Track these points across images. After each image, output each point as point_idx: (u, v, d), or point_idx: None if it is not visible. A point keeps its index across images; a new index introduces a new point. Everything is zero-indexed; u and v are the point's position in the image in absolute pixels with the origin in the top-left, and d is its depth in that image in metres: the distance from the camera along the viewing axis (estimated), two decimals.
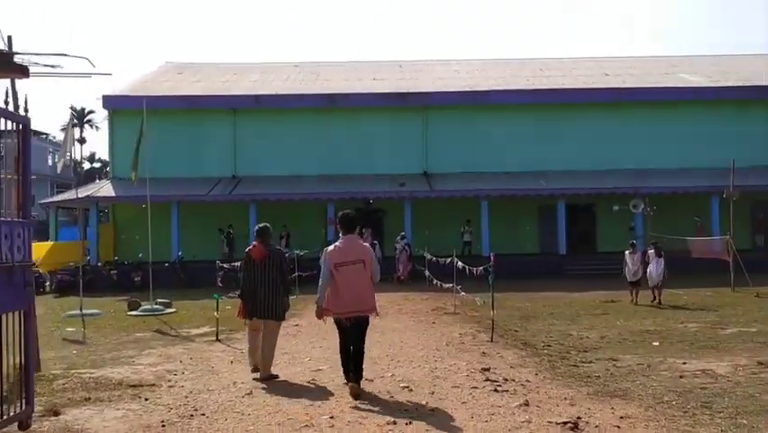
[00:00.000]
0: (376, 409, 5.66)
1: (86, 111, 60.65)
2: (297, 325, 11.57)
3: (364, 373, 6.41)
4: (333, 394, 6.22)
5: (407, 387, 6.27)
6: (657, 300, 14.73)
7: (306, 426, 5.18)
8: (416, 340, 9.73)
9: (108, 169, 30.41)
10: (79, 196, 24.97)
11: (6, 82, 6.58)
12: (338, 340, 6.55)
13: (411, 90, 27.50)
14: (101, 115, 51.94)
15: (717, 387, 6.65)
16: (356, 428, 5.14)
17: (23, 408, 4.69)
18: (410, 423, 5.19)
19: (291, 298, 13.12)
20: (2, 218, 4.59)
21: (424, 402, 5.83)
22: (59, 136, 59.84)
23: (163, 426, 5.20)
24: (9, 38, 6.91)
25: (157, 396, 6.14)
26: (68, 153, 14.84)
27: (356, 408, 5.72)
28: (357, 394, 6.00)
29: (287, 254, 21.52)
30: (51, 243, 26.12)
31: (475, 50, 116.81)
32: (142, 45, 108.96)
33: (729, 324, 11.38)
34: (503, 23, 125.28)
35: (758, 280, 17.03)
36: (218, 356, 8.69)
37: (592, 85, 27.94)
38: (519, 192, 24.66)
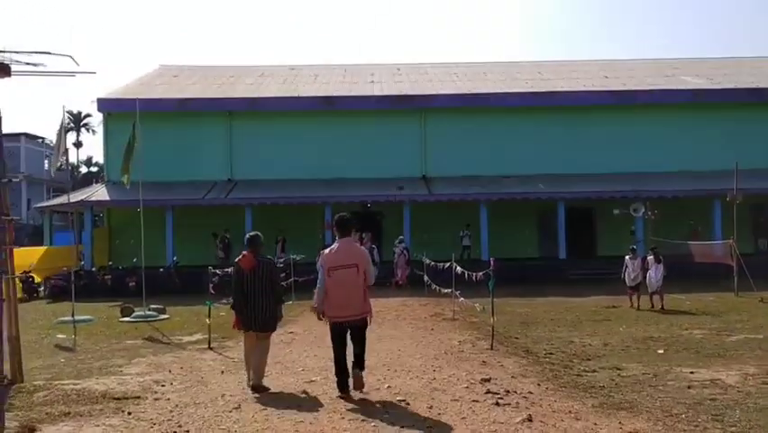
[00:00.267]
0: (371, 424, 5.37)
1: (82, 115, 60.36)
2: (291, 332, 11.28)
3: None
4: (325, 408, 5.92)
5: (404, 400, 5.96)
6: (660, 306, 14.57)
7: None
8: (414, 348, 9.44)
9: (103, 173, 30.10)
10: (73, 200, 24.76)
11: None
12: (332, 349, 6.52)
13: (409, 93, 27.26)
14: (97, 119, 51.66)
15: (728, 398, 6.38)
16: None
17: None
18: None
19: (287, 303, 12.82)
20: None
21: (421, 417, 5.53)
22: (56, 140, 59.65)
23: None
24: None
25: (141, 410, 5.84)
26: (62, 156, 14.56)
27: (349, 424, 5.41)
28: (361, 386, 6.23)
29: (283, 259, 21.36)
30: (45, 247, 25.80)
31: (473, 54, 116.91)
32: (139, 48, 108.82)
33: (735, 330, 11.13)
34: (501, 25, 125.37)
35: (762, 285, 16.78)
36: (209, 365, 8.40)
37: (592, 87, 27.72)
38: (518, 196, 24.39)
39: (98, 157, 61.90)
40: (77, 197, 24.97)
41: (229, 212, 24.76)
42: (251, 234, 7.22)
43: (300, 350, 9.55)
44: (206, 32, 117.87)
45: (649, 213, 22.71)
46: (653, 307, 14.63)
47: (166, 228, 24.13)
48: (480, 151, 25.87)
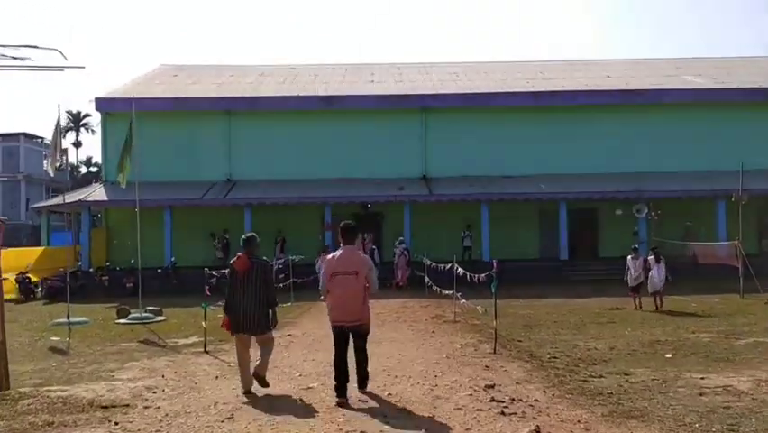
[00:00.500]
0: None
1: (81, 114, 60.12)
2: (289, 335, 11.02)
3: (359, 391, 6.19)
4: (322, 418, 5.63)
5: (405, 409, 5.69)
6: (659, 306, 14.50)
7: None
8: (415, 352, 9.19)
9: (102, 172, 29.85)
10: (71, 200, 24.51)
11: None
12: (332, 352, 6.51)
13: (410, 92, 27.01)
14: (97, 119, 51.36)
15: (742, 406, 6.13)
16: None
17: None
18: None
19: (286, 304, 12.60)
20: None
21: (423, 429, 5.27)
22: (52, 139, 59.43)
23: None
24: None
25: (128, 420, 5.57)
26: (60, 155, 14.31)
27: None
28: (344, 404, 6.05)
29: (282, 260, 21.10)
30: (43, 248, 25.57)
31: (474, 53, 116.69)
32: (140, 48, 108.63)
33: (743, 334, 10.88)
34: (502, 25, 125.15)
35: (767, 286, 16.53)
36: (204, 370, 8.15)
37: (594, 87, 27.47)
38: (520, 196, 24.15)
39: (98, 157, 61.62)
40: (74, 197, 24.73)
41: (228, 212, 24.55)
42: (247, 235, 7.16)
43: (298, 354, 9.30)
44: (207, 32, 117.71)
45: (652, 213, 22.47)
46: (657, 308, 14.49)
47: (164, 228, 23.92)
48: (481, 151, 25.63)
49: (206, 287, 10.33)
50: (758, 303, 15.23)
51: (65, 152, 56.80)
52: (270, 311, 6.76)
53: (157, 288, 20.78)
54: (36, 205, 28.71)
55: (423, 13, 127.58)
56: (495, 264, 9.52)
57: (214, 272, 11.96)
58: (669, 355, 8.98)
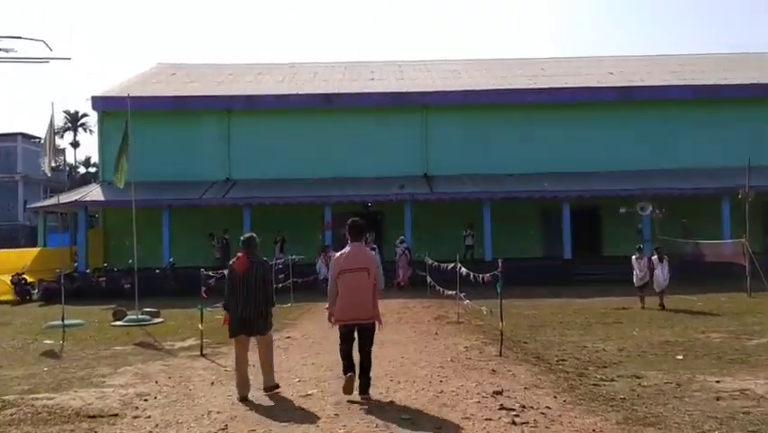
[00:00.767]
0: None
1: (79, 114, 59.80)
2: (288, 337, 10.74)
3: (365, 401, 6.01)
4: (321, 429, 5.31)
5: (409, 419, 5.36)
6: (664, 305, 14.35)
7: None
8: (418, 355, 8.89)
9: (99, 172, 29.57)
10: (67, 200, 24.24)
11: None
12: (337, 348, 6.56)
13: (410, 90, 26.70)
14: (95, 119, 51.07)
15: (762, 412, 5.84)
16: None
17: None
18: None
19: (286, 305, 12.31)
20: None
21: None
22: (55, 141, 59.13)
23: None
24: None
25: (115, 431, 5.28)
26: (54, 155, 14.04)
27: None
28: (350, 390, 6.11)
29: (282, 259, 20.79)
30: (39, 248, 25.27)
31: (475, 51, 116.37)
32: (139, 48, 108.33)
33: (754, 333, 10.61)
34: (504, 23, 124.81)
35: None
36: (199, 375, 7.85)
37: (596, 84, 27.14)
38: (522, 195, 23.83)
39: (96, 157, 61.44)
40: (71, 197, 24.45)
41: (227, 212, 24.26)
42: (246, 235, 7.05)
43: (297, 357, 9.01)
44: (206, 31, 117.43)
45: (657, 211, 22.16)
46: (661, 306, 14.39)
47: (162, 229, 23.63)
48: (483, 148, 25.33)
49: (203, 288, 10.02)
50: (766, 302, 14.97)
51: (62, 151, 56.47)
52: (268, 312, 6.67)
53: (155, 289, 20.51)
54: (32, 205, 28.38)
55: (422, 13, 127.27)
56: (500, 264, 9.22)
57: (211, 273, 11.64)
58: (680, 357, 8.71)
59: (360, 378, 6.24)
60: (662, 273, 14.64)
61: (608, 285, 18.61)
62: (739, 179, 19.37)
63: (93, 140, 65.69)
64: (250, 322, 6.56)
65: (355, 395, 6.20)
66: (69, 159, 61.28)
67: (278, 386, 6.64)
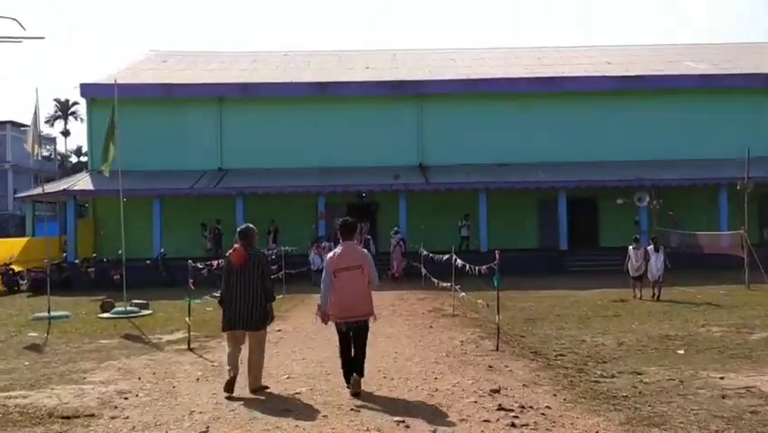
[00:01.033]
0: None
1: (70, 102, 59.04)
2: (279, 330, 10.44)
3: (355, 401, 5.81)
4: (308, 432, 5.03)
5: (402, 422, 5.07)
6: (657, 296, 14.36)
7: None
8: (412, 350, 8.62)
9: (87, 160, 29.12)
10: (54, 189, 23.82)
11: None
12: (336, 346, 6.53)
13: (406, 79, 26.32)
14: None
15: None
16: None
17: None
18: None
19: (278, 297, 11.99)
20: None
21: None
22: (45, 129, 58.40)
23: None
24: None
25: None
26: (34, 140, 13.63)
27: None
28: (357, 393, 6.03)
29: (275, 250, 20.48)
30: (27, 238, 24.87)
31: (472, 40, 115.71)
32: (132, 35, 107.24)
33: (755, 327, 10.37)
34: (500, 11, 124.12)
35: None
36: (185, 370, 7.56)
37: (594, 73, 26.83)
38: (518, 185, 23.57)
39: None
40: (59, 186, 24.04)
41: (219, 202, 23.93)
42: (243, 226, 6.76)
43: (288, 352, 8.72)
44: (200, 19, 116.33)
45: (654, 202, 21.92)
46: (653, 296, 14.42)
47: (153, 219, 23.27)
48: (479, 138, 25.03)
49: (190, 280, 9.70)
50: (765, 294, 14.78)
51: (53, 140, 55.76)
52: (268, 306, 6.45)
53: (145, 280, 20.22)
54: (20, 195, 27.93)
55: (419, 1, 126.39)
56: (497, 256, 8.93)
57: (199, 264, 11.32)
58: (681, 352, 8.47)
59: (354, 363, 6.28)
60: (655, 264, 14.60)
61: (605, 276, 18.43)
62: (737, 171, 19.14)
63: (84, 129, 65.05)
64: (246, 316, 6.32)
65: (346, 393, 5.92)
66: (60, 148, 60.61)
67: (266, 387, 6.38)
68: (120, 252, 19.25)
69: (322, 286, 6.37)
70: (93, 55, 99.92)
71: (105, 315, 13.78)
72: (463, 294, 12.23)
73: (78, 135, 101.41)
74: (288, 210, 24.27)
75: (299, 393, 6.15)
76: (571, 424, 5.05)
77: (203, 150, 25.12)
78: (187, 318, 9.36)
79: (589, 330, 10.35)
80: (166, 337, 10.48)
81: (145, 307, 14.51)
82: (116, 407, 5.71)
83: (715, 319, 11.28)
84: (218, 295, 6.68)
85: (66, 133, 61.28)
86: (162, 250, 22.35)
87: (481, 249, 22.47)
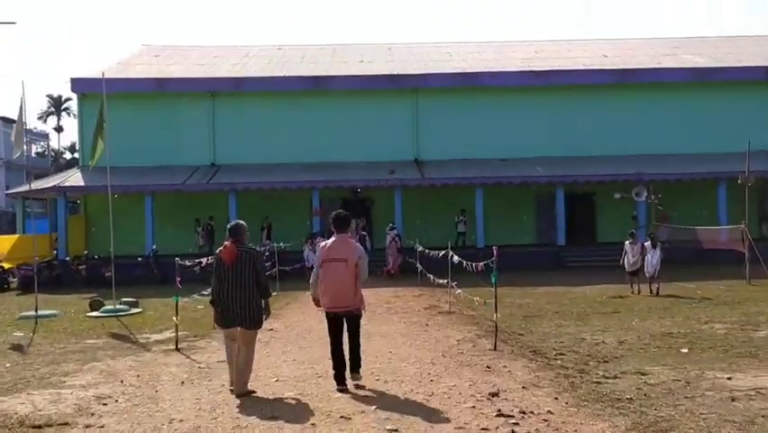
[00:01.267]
0: None
1: (63, 98, 58.45)
2: (271, 329, 10.13)
3: (346, 407, 5.53)
4: None
5: (396, 430, 4.75)
6: (656, 292, 14.18)
7: None
8: (407, 349, 8.33)
9: (78, 156, 28.72)
10: (43, 186, 23.45)
11: None
12: (323, 342, 6.75)
13: (401, 72, 25.98)
14: None
15: None
16: None
17: None
18: None
19: (272, 294, 11.77)
20: None
21: None
22: (39, 126, 57.84)
23: None
24: None
25: None
26: (21, 135, 13.30)
27: None
28: (344, 390, 6.08)
29: (268, 246, 20.15)
30: (17, 235, 24.49)
31: (469, 35, 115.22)
32: (125, 30, 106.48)
33: (760, 324, 10.12)
34: (497, 4, 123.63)
35: None
36: (171, 373, 7.25)
37: (591, 66, 26.55)
38: (515, 180, 23.27)
39: None
40: (49, 182, 23.67)
41: (212, 198, 23.61)
42: (234, 222, 6.59)
43: (279, 352, 8.43)
44: (194, 14, 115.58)
45: (652, 197, 21.67)
46: (651, 292, 14.24)
47: (145, 215, 22.93)
48: (476, 133, 24.73)
49: (178, 278, 9.39)
50: (767, 290, 14.56)
51: (46, 137, 55.14)
52: (264, 302, 6.29)
53: (137, 277, 19.92)
54: (9, 191, 27.54)
55: None
56: (495, 252, 8.64)
57: (187, 262, 11.01)
58: (685, 350, 8.20)
59: (350, 360, 6.34)
60: (652, 259, 14.47)
61: (603, 272, 18.21)
62: (736, 165, 18.90)
63: (77, 124, 64.48)
64: (239, 315, 6.14)
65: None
66: (54, 144, 60.06)
67: (252, 392, 6.11)
68: (111, 249, 18.96)
69: (312, 276, 6.61)
70: (90, 51, 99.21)
71: (94, 313, 13.48)
72: (460, 291, 11.97)
73: (72, 132, 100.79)
74: (282, 206, 23.96)
75: (286, 399, 5.84)
76: (575, 431, 4.76)
77: (196, 145, 24.77)
78: (174, 318, 9.05)
79: (589, 328, 10.09)
80: (154, 337, 10.18)
81: (135, 305, 14.21)
82: (93, 414, 5.39)
83: (717, 316, 11.03)
84: (208, 294, 6.45)
85: (59, 130, 60.68)
86: (154, 247, 22.02)
87: (478, 245, 22.22)
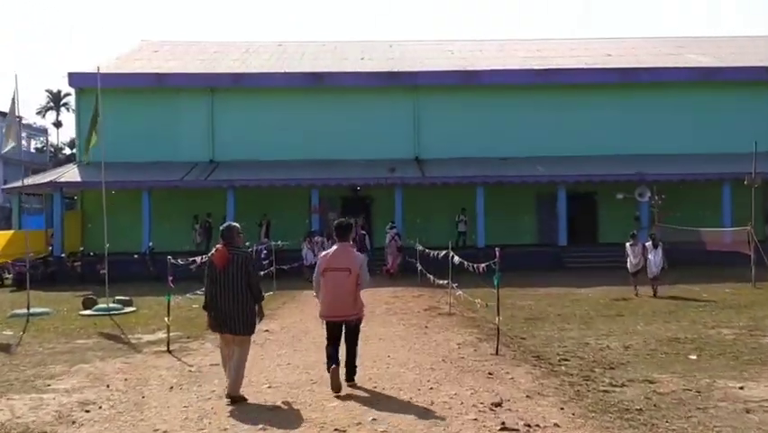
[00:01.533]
0: None
1: (62, 93, 58.11)
2: (266, 330, 9.86)
3: (341, 417, 5.26)
4: None
5: None
6: (654, 293, 14.02)
7: None
8: (406, 354, 8.05)
9: (75, 152, 28.45)
10: (39, 181, 23.18)
11: None
12: (318, 345, 6.75)
13: (401, 69, 25.68)
14: None
15: None
16: None
17: None
18: None
19: (268, 294, 11.49)
20: None
21: None
22: (38, 121, 57.54)
23: None
24: None
25: None
26: (10, 129, 13.03)
27: None
28: (338, 387, 6.03)
29: (266, 244, 19.84)
30: (12, 231, 24.19)
31: (470, 33, 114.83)
32: (127, 25, 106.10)
33: None
34: (500, 4, 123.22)
35: None
36: (160, 376, 6.98)
37: (594, 65, 26.24)
38: (516, 179, 22.98)
39: None
40: (45, 177, 23.38)
41: (210, 195, 23.34)
42: (226, 225, 6.41)
43: (273, 355, 8.15)
44: (194, 9, 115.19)
45: (655, 198, 21.38)
46: (654, 294, 14.02)
47: (142, 212, 22.65)
48: (477, 131, 24.45)
49: (170, 277, 9.12)
50: None
51: (45, 132, 54.84)
52: (257, 306, 6.08)
53: (133, 275, 19.64)
54: (5, 186, 27.26)
55: None
56: (498, 253, 8.37)
57: (180, 261, 10.74)
58: (694, 357, 7.92)
59: (345, 366, 6.32)
60: (654, 260, 14.29)
61: (605, 273, 17.96)
62: (741, 165, 18.61)
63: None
64: (231, 320, 5.94)
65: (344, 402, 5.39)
66: (53, 139, 59.75)
67: (243, 399, 5.89)
68: (107, 245, 18.68)
69: (314, 279, 6.55)
70: (90, 47, 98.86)
71: (87, 312, 13.23)
72: (460, 292, 11.71)
73: (72, 127, 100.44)
74: (281, 204, 23.69)
75: (279, 408, 5.56)
76: None
77: (194, 141, 24.49)
78: (166, 319, 8.78)
79: (593, 331, 9.81)
80: (146, 337, 9.92)
81: (129, 304, 13.96)
82: (74, 422, 5.12)
83: (724, 320, 10.75)
84: (203, 293, 6.23)
85: (58, 125, 60.38)
86: (151, 244, 21.74)
87: (479, 245, 21.95)
